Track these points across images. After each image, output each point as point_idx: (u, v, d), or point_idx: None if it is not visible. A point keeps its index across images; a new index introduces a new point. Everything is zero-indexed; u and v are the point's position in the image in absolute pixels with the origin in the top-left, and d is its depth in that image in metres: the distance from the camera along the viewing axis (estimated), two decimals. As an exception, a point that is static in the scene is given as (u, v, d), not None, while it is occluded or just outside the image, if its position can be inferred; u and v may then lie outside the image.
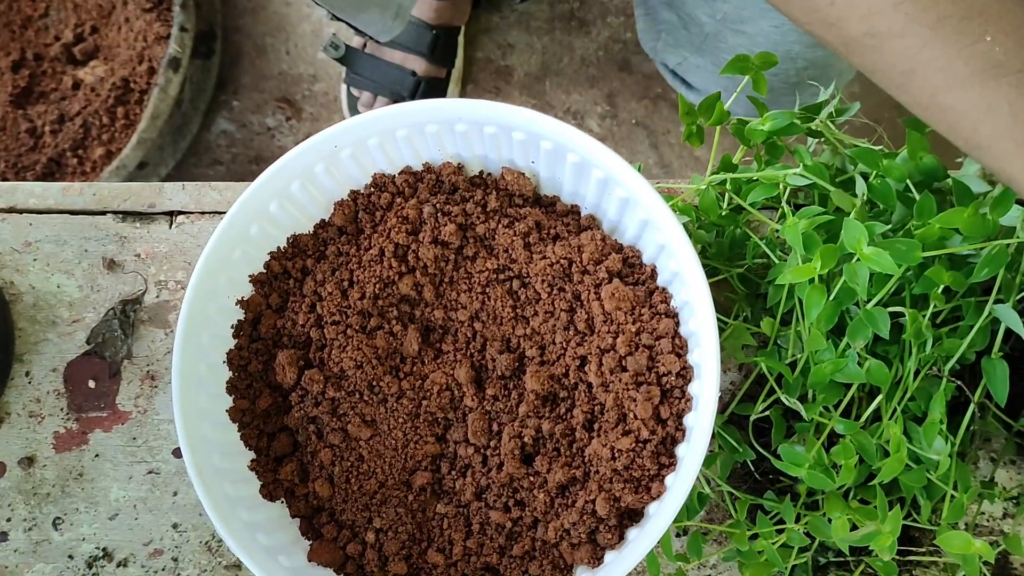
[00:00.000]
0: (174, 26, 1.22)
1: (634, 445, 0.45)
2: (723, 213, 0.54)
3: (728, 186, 0.55)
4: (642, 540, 0.42)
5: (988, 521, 0.56)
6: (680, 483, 0.43)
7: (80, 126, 1.24)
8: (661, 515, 0.42)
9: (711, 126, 0.55)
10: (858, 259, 0.45)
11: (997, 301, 0.46)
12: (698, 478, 0.53)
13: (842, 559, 0.52)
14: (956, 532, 0.45)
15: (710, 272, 0.55)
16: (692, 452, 0.43)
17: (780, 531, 0.49)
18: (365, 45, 1.20)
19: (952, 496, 0.47)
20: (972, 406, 0.48)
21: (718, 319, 0.53)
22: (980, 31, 0.38)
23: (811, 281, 0.46)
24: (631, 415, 0.45)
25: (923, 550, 0.52)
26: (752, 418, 0.51)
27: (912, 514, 0.50)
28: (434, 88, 1.21)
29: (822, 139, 0.55)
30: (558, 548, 0.46)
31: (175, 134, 1.30)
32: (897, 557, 0.53)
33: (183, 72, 1.22)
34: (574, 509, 0.45)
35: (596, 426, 0.47)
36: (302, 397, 0.49)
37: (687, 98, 0.66)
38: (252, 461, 0.49)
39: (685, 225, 0.55)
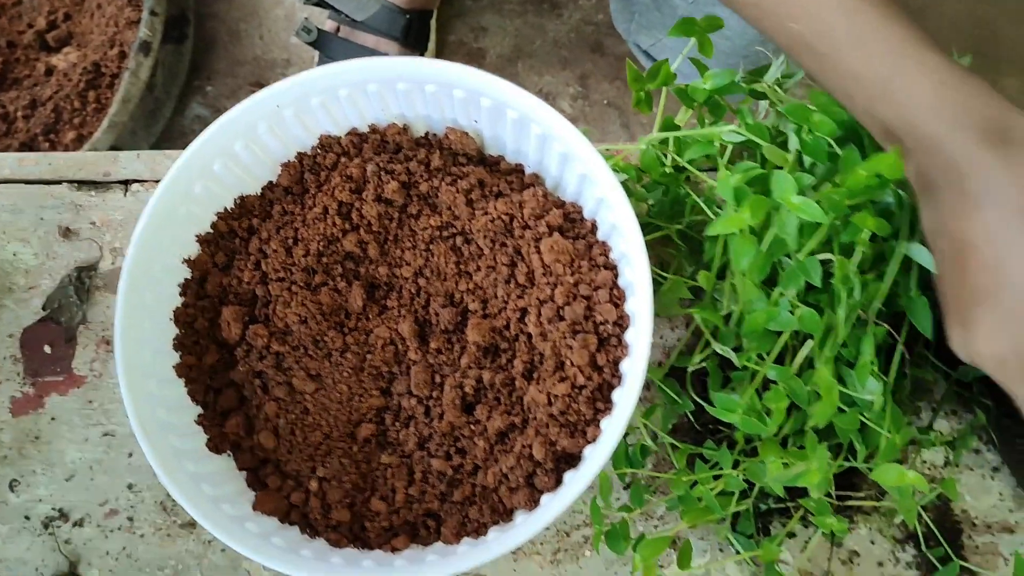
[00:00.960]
0: (144, 10, 1.23)
1: (570, 391, 0.46)
2: (665, 171, 0.55)
3: (671, 147, 0.56)
4: (577, 481, 0.43)
5: (930, 469, 0.57)
6: (614, 425, 0.44)
7: (51, 111, 1.24)
8: (596, 456, 0.44)
9: (655, 87, 0.56)
10: (787, 210, 0.46)
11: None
12: (641, 431, 0.54)
13: (782, 505, 0.53)
14: (890, 465, 0.46)
15: (651, 229, 0.56)
16: (626, 395, 0.44)
17: (719, 478, 0.50)
18: (338, 29, 1.21)
19: (887, 437, 0.48)
20: (899, 345, 0.50)
21: (658, 274, 0.54)
22: None
23: (741, 232, 0.47)
24: (568, 363, 0.46)
25: (862, 494, 0.53)
26: (690, 370, 0.52)
27: (851, 459, 0.52)
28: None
29: (768, 101, 0.56)
30: (497, 493, 0.47)
31: (148, 118, 1.30)
32: (837, 503, 0.54)
33: (154, 56, 1.23)
34: (512, 454, 0.46)
35: (535, 375, 0.48)
36: (247, 352, 0.50)
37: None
38: (199, 416, 0.50)
39: (626, 184, 0.56)
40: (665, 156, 0.56)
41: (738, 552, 0.55)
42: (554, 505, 0.43)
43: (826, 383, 0.45)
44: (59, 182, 0.64)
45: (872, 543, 0.56)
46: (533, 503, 0.46)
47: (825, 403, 0.45)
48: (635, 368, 0.44)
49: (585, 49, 1.38)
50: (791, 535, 0.56)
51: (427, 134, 0.53)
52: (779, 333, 0.49)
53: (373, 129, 0.53)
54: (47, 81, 1.29)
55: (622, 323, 0.47)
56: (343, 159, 0.52)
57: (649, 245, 0.56)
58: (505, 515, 0.47)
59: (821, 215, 0.45)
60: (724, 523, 0.52)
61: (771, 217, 0.48)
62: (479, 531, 0.47)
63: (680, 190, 0.56)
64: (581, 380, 0.46)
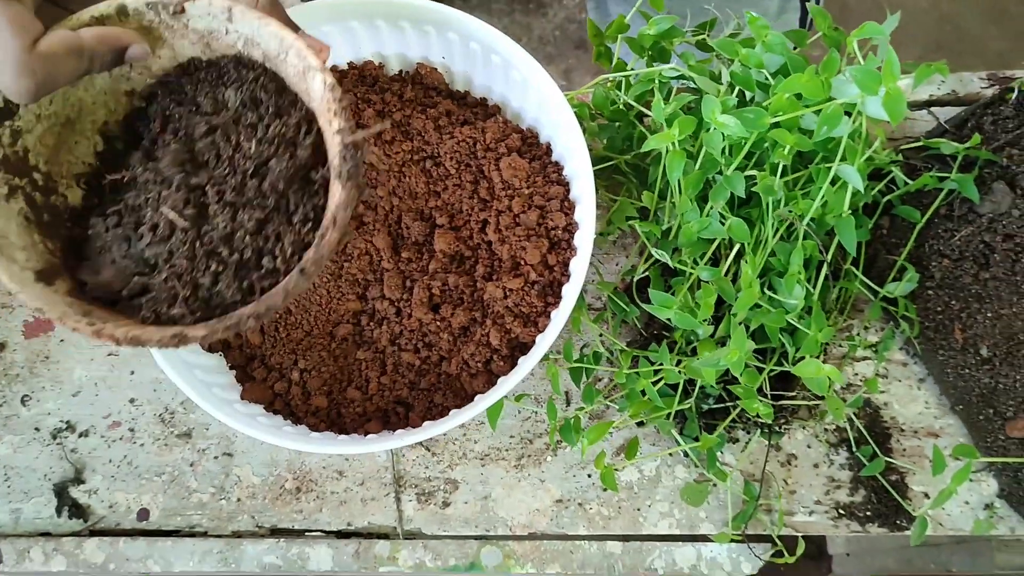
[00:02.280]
0: None
1: (523, 285, 0.51)
2: (617, 109, 0.61)
3: (623, 89, 0.62)
4: (528, 360, 0.49)
5: (861, 381, 0.62)
6: (561, 311, 0.49)
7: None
8: (544, 339, 0.49)
9: (610, 36, 0.62)
10: (714, 128, 0.52)
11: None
12: (595, 341, 0.59)
13: (723, 405, 0.58)
14: (810, 360, 0.52)
15: (604, 161, 0.62)
16: (571, 288, 0.50)
17: (660, 374, 0.55)
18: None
19: (809, 335, 0.54)
20: (827, 259, 0.55)
21: (610, 198, 0.60)
22: None
23: (673, 147, 0.53)
24: (523, 262, 0.52)
25: (793, 393, 0.58)
26: (636, 280, 0.58)
27: (783, 363, 0.57)
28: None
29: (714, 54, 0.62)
30: (459, 379, 0.52)
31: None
32: (772, 402, 0.59)
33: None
34: (472, 342, 0.52)
35: (495, 277, 0.53)
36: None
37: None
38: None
39: (580, 122, 0.62)
40: (618, 95, 0.62)
41: (685, 452, 0.60)
42: (507, 382, 0.49)
43: (748, 277, 0.51)
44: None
45: (808, 447, 0.61)
46: (490, 386, 0.51)
47: (746, 295, 0.51)
48: (579, 266, 0.50)
49: (569, 45, 1.45)
50: (734, 440, 0.61)
51: (401, 71, 0.60)
52: (712, 241, 0.55)
53: (351, 65, 0.59)
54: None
55: (571, 229, 0.53)
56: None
57: (602, 173, 0.62)
58: (467, 399, 0.52)
59: (742, 129, 0.51)
60: (670, 419, 0.57)
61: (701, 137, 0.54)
62: (442, 414, 0.52)
63: (629, 126, 0.62)
64: (534, 276, 0.51)
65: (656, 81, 0.58)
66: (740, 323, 0.52)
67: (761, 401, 0.53)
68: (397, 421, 0.53)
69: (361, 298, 0.56)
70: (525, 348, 0.52)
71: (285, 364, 0.54)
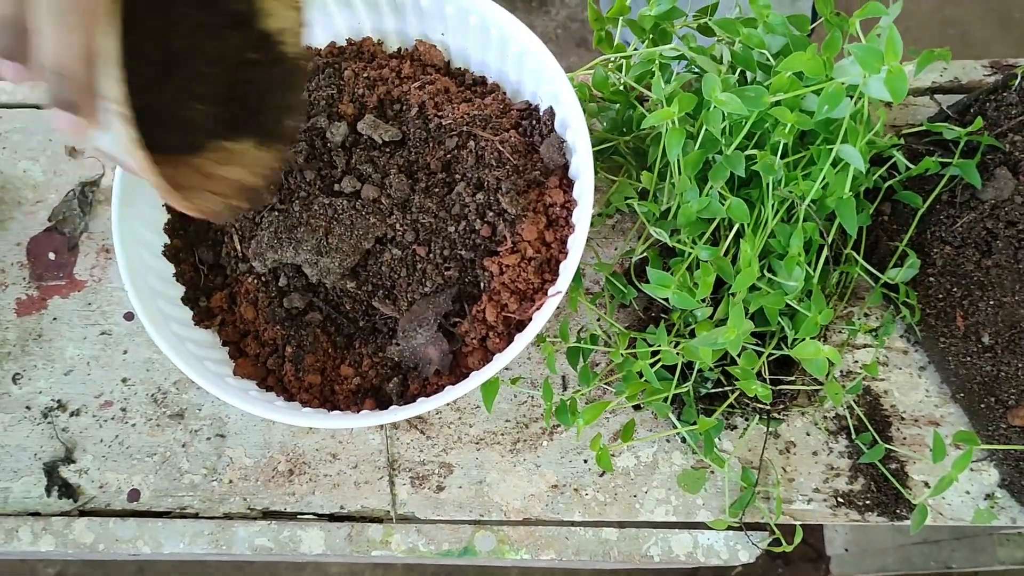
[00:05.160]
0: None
1: (520, 262, 0.51)
2: (617, 89, 0.61)
3: (623, 71, 0.62)
4: (524, 336, 0.48)
5: (861, 369, 0.61)
6: (556, 288, 0.49)
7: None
8: (541, 315, 0.48)
9: (611, 17, 0.62)
10: (715, 106, 0.51)
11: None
12: (591, 321, 0.59)
13: (721, 389, 0.58)
14: (808, 341, 0.51)
15: (603, 141, 0.61)
16: (568, 265, 0.49)
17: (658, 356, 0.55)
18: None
19: (809, 317, 0.53)
20: (827, 242, 0.55)
21: (610, 179, 0.60)
22: None
23: (672, 125, 0.52)
24: (520, 238, 0.51)
25: (792, 377, 0.58)
26: (634, 261, 0.57)
27: (782, 347, 0.56)
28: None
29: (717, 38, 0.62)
30: (455, 356, 0.52)
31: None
32: (771, 387, 0.59)
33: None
34: (468, 318, 0.51)
35: (492, 253, 0.53)
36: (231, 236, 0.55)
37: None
38: (185, 293, 0.55)
39: (580, 102, 0.62)
40: (618, 76, 0.62)
41: (682, 438, 0.59)
42: (503, 358, 0.48)
43: (747, 256, 0.50)
44: (68, 109, 0.70)
45: (808, 434, 0.60)
46: (486, 363, 0.51)
47: (745, 274, 0.50)
48: (577, 242, 0.50)
49: (571, 44, 1.45)
50: (732, 427, 0.60)
51: (400, 49, 0.59)
52: (711, 222, 0.54)
53: (350, 42, 0.58)
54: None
55: (569, 206, 0.52)
56: (327, 68, 0.58)
57: (602, 155, 0.62)
58: (462, 376, 0.52)
59: (742, 108, 0.50)
60: (667, 403, 0.57)
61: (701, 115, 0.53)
62: (437, 391, 0.51)
63: (629, 107, 0.61)
64: (531, 253, 0.51)
65: (656, 62, 0.58)
66: (740, 304, 0.51)
67: (759, 383, 0.52)
68: (391, 399, 0.52)
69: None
70: (522, 326, 0.51)
71: (279, 340, 0.54)
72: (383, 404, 0.52)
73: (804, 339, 0.52)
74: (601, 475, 0.60)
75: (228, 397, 0.48)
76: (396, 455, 0.61)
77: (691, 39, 0.60)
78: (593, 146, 0.61)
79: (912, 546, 0.79)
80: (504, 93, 0.58)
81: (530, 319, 0.51)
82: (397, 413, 0.48)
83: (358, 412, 0.51)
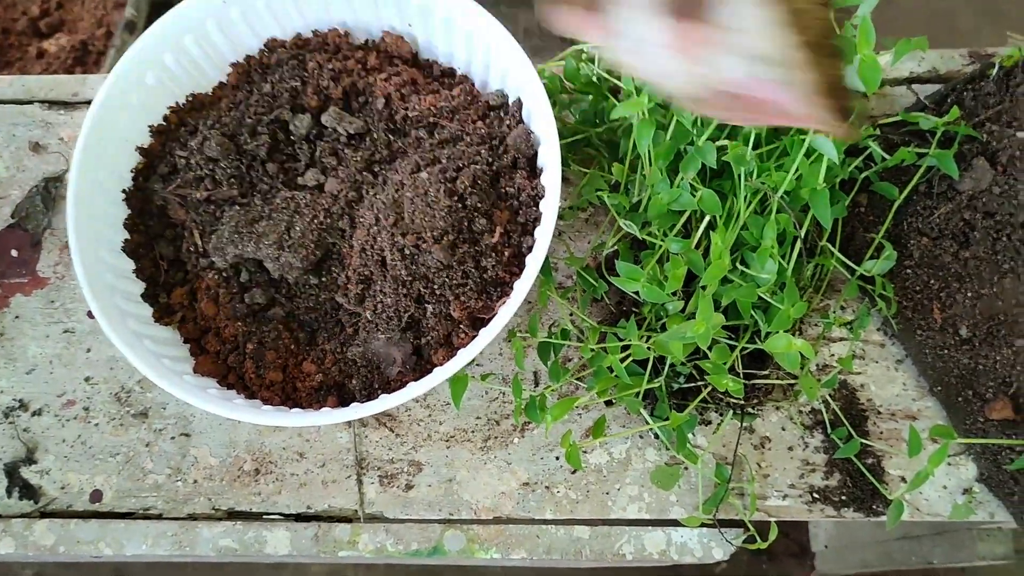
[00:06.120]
0: (132, -8, 1.28)
1: (485, 255, 0.49)
2: (589, 80, 0.60)
3: (596, 62, 0.61)
4: (489, 330, 0.47)
5: (837, 362, 0.60)
6: (523, 281, 0.48)
7: (39, 86, 1.29)
8: (506, 308, 0.47)
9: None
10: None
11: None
12: (563, 318, 0.58)
13: (694, 384, 0.56)
14: (780, 335, 0.50)
15: (573, 132, 0.60)
16: (533, 257, 0.48)
17: (628, 351, 0.54)
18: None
19: (781, 309, 0.52)
20: (800, 234, 0.53)
21: (581, 171, 0.59)
22: None
23: (642, 116, 0.51)
24: (484, 231, 0.50)
25: (766, 372, 0.57)
26: (605, 255, 0.56)
27: (756, 340, 0.55)
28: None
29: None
30: (420, 352, 0.50)
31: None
32: (745, 382, 0.58)
33: (139, 34, 1.28)
34: (432, 316, 0.50)
35: (453, 242, 0.51)
36: (191, 231, 0.54)
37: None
38: (144, 290, 0.54)
39: (552, 94, 0.61)
40: (591, 67, 0.61)
41: (655, 434, 0.58)
42: (467, 352, 0.47)
43: (717, 248, 0.49)
44: (31, 102, 0.68)
45: (783, 429, 0.59)
46: (451, 358, 0.49)
47: (715, 266, 0.49)
48: (544, 234, 0.48)
49: (555, 39, 1.43)
50: (706, 423, 0.59)
51: (367, 41, 0.58)
52: (682, 214, 0.53)
53: (316, 33, 0.57)
54: (37, 61, 1.35)
55: (537, 198, 0.51)
56: (290, 60, 0.56)
57: (574, 146, 0.60)
58: (426, 373, 0.50)
59: (715, 96, 0.49)
60: (639, 399, 0.55)
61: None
62: (401, 388, 0.50)
63: (601, 99, 0.60)
64: (497, 246, 0.50)
65: (627, 51, 0.57)
66: (710, 296, 0.50)
67: (730, 377, 0.51)
68: (353, 396, 0.51)
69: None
70: (487, 323, 0.50)
71: (240, 336, 0.52)
72: (346, 401, 0.51)
73: (777, 332, 0.51)
74: (573, 472, 0.59)
75: (184, 395, 0.47)
76: (364, 453, 0.60)
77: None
78: (565, 138, 0.60)
79: (893, 542, 0.78)
80: (472, 84, 0.57)
81: (496, 314, 0.49)
82: (358, 411, 0.47)
83: (320, 409, 0.50)
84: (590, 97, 0.61)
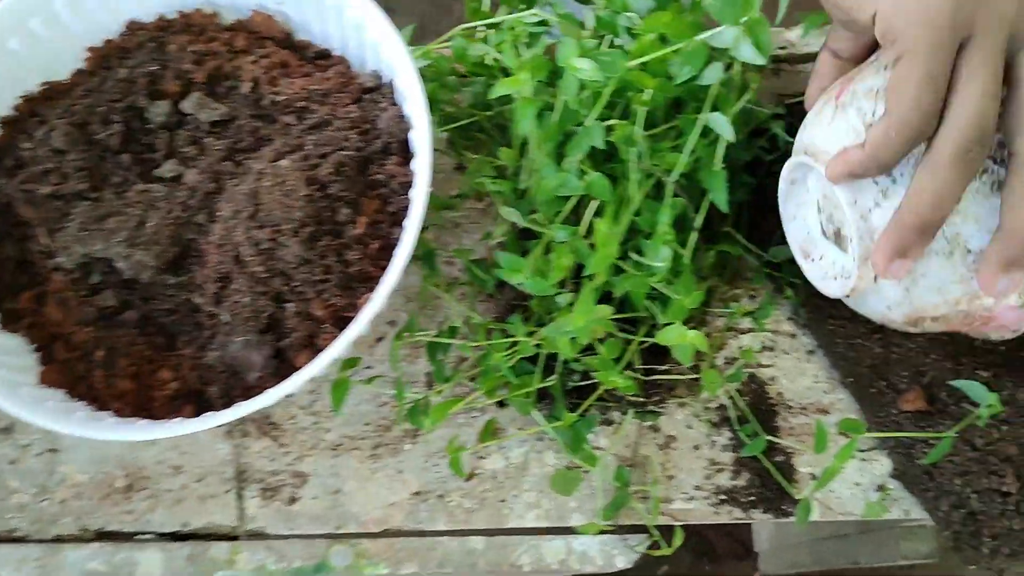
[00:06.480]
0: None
1: (348, 248, 0.46)
2: (480, 60, 0.56)
3: (486, 41, 0.57)
4: (352, 329, 0.43)
5: (741, 355, 0.57)
6: (388, 276, 0.44)
7: None
8: (371, 305, 0.44)
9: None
10: (570, 73, 0.47)
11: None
12: (453, 312, 0.54)
13: (590, 382, 0.53)
14: (673, 326, 0.47)
15: (465, 116, 0.57)
16: (400, 250, 0.44)
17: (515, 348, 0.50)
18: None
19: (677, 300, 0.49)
20: (697, 219, 0.50)
21: (470, 157, 0.55)
22: None
23: (524, 96, 0.48)
24: (349, 222, 0.47)
25: (665, 367, 0.53)
26: (491, 244, 0.52)
27: (653, 335, 0.52)
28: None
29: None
30: (283, 355, 0.47)
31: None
32: (644, 378, 0.54)
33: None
34: (293, 317, 0.46)
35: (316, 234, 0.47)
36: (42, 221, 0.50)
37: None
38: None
39: (441, 76, 0.57)
40: (482, 48, 0.57)
41: (547, 434, 0.55)
42: (326, 355, 0.43)
43: (602, 235, 0.46)
44: None
45: (689, 427, 0.56)
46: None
47: (601, 254, 0.46)
48: (412, 224, 0.45)
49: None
50: (609, 423, 0.56)
51: (237, 21, 0.54)
52: (570, 199, 0.50)
53: (181, 14, 0.53)
54: None
55: (406, 181, 0.48)
56: (149, 43, 0.52)
57: (464, 131, 0.57)
58: (288, 376, 0.46)
59: (599, 73, 0.46)
60: (530, 399, 0.52)
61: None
62: (263, 391, 0.46)
63: (491, 79, 0.56)
64: (364, 237, 0.46)
65: (514, 28, 0.53)
66: (597, 288, 0.47)
67: (622, 375, 0.48)
68: (211, 404, 0.47)
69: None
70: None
71: (89, 343, 0.48)
72: (204, 410, 0.47)
73: (671, 324, 0.48)
74: (468, 479, 0.55)
75: (16, 409, 0.43)
76: (245, 465, 0.55)
77: (559, 5, 0.56)
78: (454, 122, 0.57)
79: (823, 541, 0.76)
80: (348, 66, 0.53)
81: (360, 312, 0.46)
82: (207, 420, 0.43)
83: (172, 420, 0.46)
84: (482, 78, 0.57)
